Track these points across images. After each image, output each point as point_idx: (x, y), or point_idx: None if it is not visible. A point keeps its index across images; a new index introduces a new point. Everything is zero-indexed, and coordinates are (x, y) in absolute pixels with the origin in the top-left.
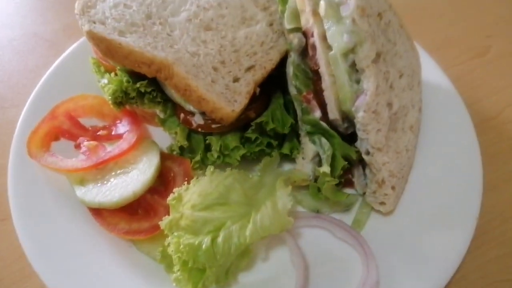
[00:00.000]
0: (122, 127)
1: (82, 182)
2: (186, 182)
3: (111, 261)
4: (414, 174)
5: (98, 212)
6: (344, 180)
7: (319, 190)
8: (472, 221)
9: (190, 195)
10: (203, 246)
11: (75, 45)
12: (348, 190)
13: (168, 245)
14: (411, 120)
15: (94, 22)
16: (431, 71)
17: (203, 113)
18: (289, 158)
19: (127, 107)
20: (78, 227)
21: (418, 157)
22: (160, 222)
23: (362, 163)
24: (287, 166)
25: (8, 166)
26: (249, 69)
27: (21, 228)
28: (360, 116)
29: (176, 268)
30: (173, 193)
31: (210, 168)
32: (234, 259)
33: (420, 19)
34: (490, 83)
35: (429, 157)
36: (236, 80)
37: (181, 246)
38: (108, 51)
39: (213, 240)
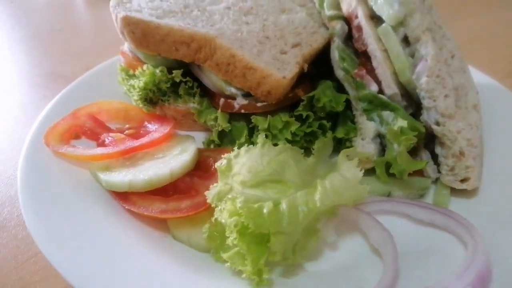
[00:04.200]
0: (152, 126)
1: (107, 169)
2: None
3: (142, 252)
4: (488, 158)
5: (126, 197)
6: None
7: (387, 169)
8: None
9: (240, 166)
10: (265, 210)
11: (99, 65)
12: None
13: (219, 216)
14: (473, 100)
15: (130, 11)
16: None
17: (246, 95)
18: (341, 149)
19: (157, 110)
20: (100, 218)
21: (487, 144)
22: (206, 193)
23: (428, 146)
24: None
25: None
26: (295, 45)
27: (34, 224)
28: (423, 82)
29: (230, 240)
30: (223, 158)
31: (262, 137)
32: (300, 235)
33: None
34: None
35: (499, 143)
36: (283, 52)
37: (239, 206)
38: (144, 36)
39: (276, 206)
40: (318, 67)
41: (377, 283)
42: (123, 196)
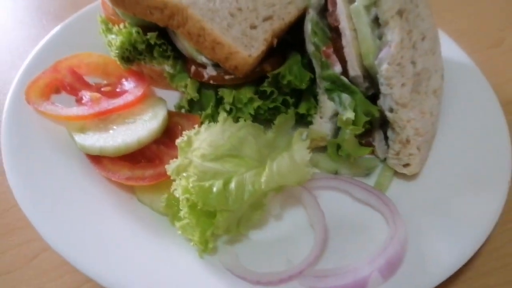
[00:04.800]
0: (128, 84)
1: (82, 130)
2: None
3: (109, 212)
4: (439, 142)
5: (98, 160)
6: (365, 143)
7: (338, 149)
8: (505, 184)
9: (200, 142)
10: (214, 189)
11: (85, 8)
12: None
13: (174, 190)
14: (434, 85)
15: None
16: (455, 53)
17: (216, 65)
18: (304, 122)
19: (134, 67)
20: (75, 176)
21: (442, 126)
22: (166, 166)
23: (383, 127)
24: None
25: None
26: (267, 19)
27: (14, 178)
28: (384, 69)
29: (182, 213)
30: (183, 136)
31: (223, 115)
32: (246, 209)
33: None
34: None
35: (454, 127)
36: (253, 27)
37: (190, 186)
38: None
39: (225, 185)
40: (294, 36)
41: (303, 259)
42: (96, 158)
